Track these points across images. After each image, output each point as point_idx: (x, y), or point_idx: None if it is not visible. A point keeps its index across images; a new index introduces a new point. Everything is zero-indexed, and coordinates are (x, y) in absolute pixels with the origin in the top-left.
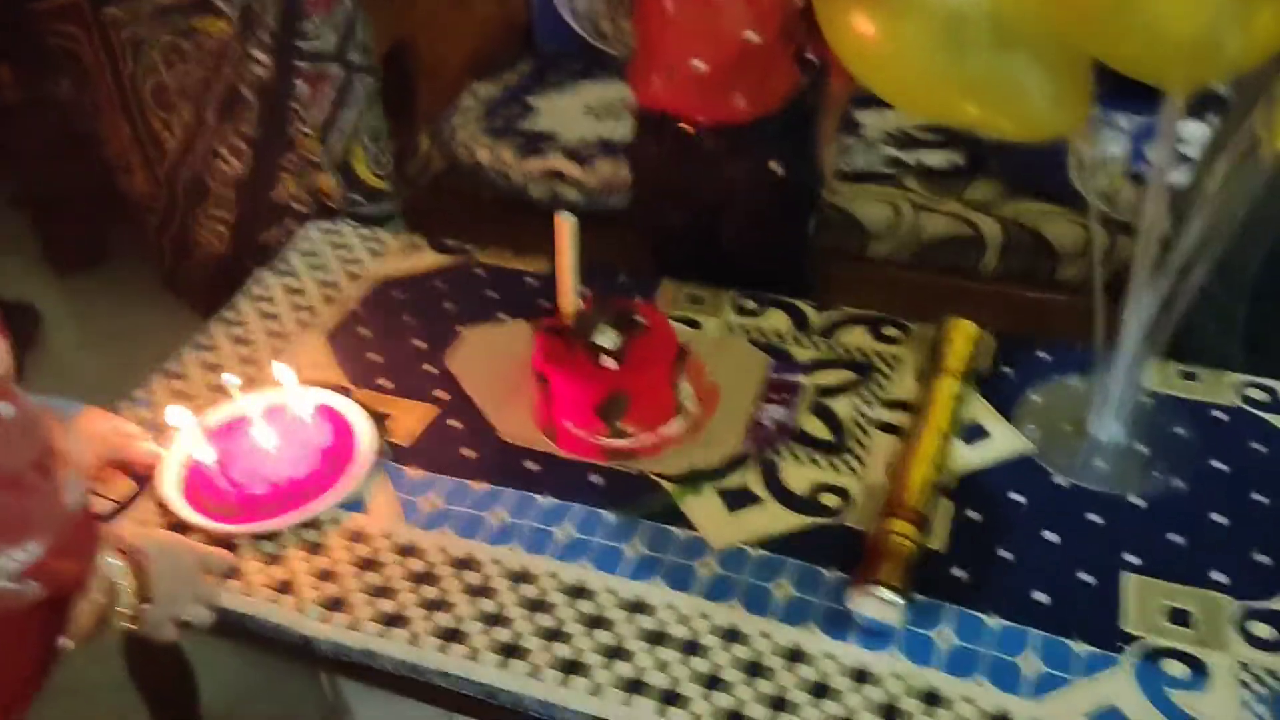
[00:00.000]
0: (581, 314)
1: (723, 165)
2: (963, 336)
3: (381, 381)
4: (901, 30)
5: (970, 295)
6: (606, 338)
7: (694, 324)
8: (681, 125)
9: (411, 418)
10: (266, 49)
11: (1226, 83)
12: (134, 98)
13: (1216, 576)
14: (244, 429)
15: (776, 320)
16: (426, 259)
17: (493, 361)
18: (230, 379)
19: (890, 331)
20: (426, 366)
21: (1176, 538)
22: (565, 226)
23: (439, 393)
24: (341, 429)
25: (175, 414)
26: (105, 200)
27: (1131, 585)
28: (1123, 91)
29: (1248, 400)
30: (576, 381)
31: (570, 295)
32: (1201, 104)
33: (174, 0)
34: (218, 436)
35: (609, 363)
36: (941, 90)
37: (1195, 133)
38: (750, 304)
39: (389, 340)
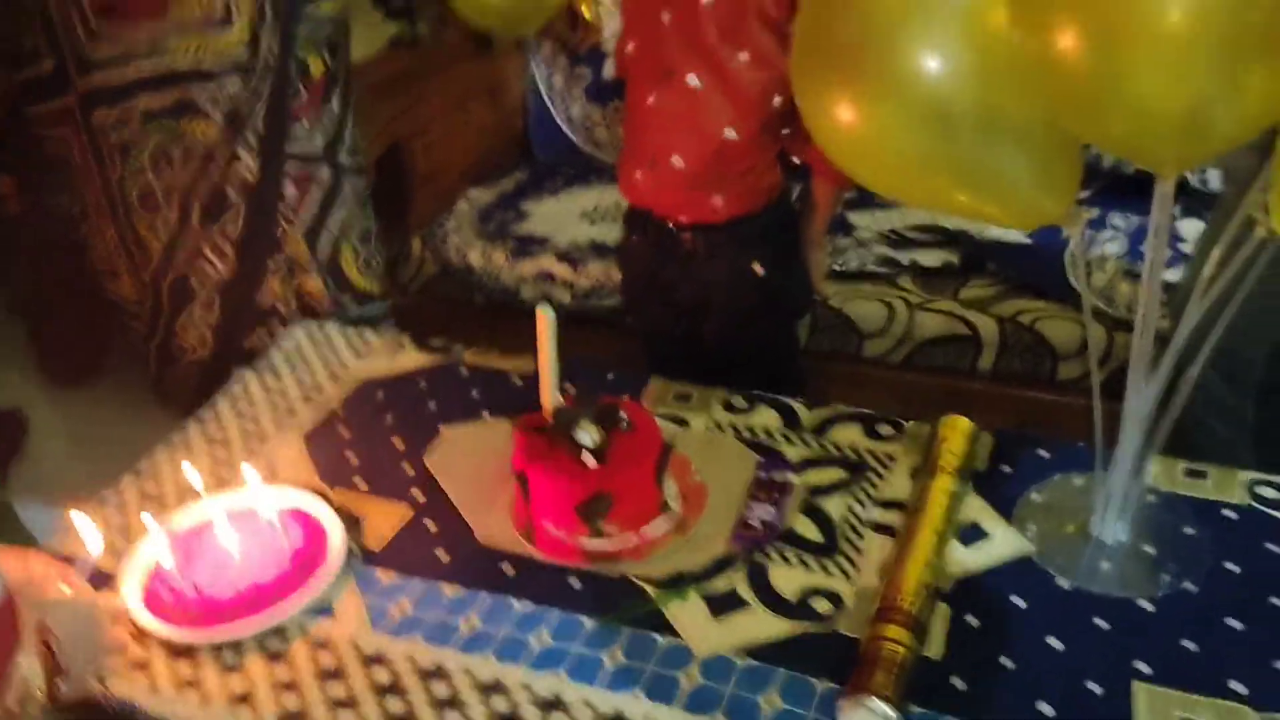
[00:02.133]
0: (562, 410)
1: (704, 264)
2: (959, 433)
3: (357, 482)
4: (884, 114)
5: (968, 395)
6: (588, 435)
7: (681, 422)
8: (665, 222)
9: (386, 519)
10: (253, 151)
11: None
12: (121, 201)
13: (1234, 685)
14: (209, 532)
15: (766, 418)
16: (411, 359)
17: (472, 461)
18: (193, 476)
19: (884, 429)
20: (405, 467)
21: (1189, 644)
22: (544, 320)
23: (416, 493)
24: (311, 532)
25: (142, 518)
26: (99, 308)
27: (1143, 695)
28: (1119, 192)
29: (1259, 499)
30: (556, 480)
31: (551, 391)
32: (1197, 202)
33: (162, 103)
34: (182, 540)
35: (590, 461)
36: (927, 176)
37: (1192, 230)
38: (739, 401)
39: (368, 440)
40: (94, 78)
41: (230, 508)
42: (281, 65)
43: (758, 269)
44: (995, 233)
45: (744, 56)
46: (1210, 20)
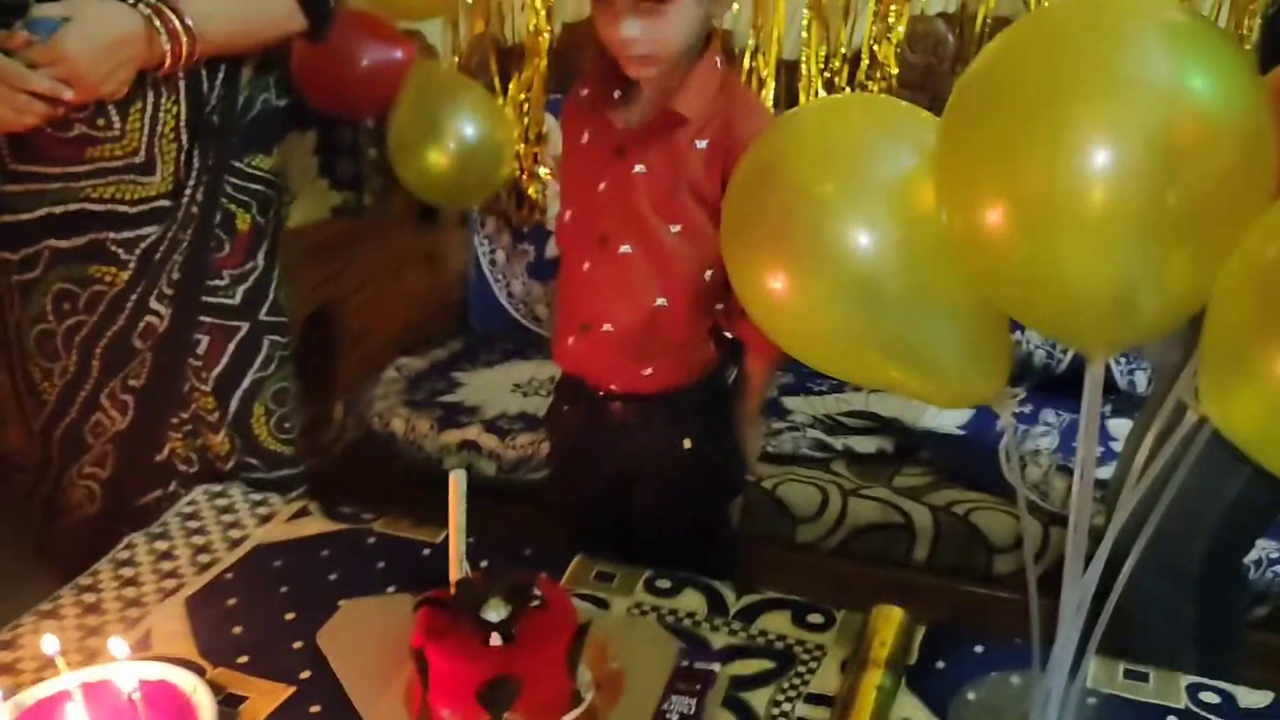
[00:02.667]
0: (469, 583)
1: (635, 436)
2: (891, 625)
3: (241, 658)
4: (814, 289)
5: (903, 586)
6: (495, 612)
7: (602, 603)
8: (596, 391)
9: (266, 700)
10: (166, 300)
11: (1147, 363)
12: (16, 345)
13: None
14: (61, 708)
15: (692, 602)
16: (316, 525)
17: (370, 639)
18: (52, 646)
19: (815, 618)
20: (295, 643)
21: None
22: (456, 482)
23: (303, 673)
24: (178, 712)
25: None
26: None
27: None
28: (1051, 390)
29: (1199, 703)
30: (458, 661)
31: (459, 561)
32: (1127, 402)
33: (71, 244)
34: (32, 715)
35: (497, 641)
36: (857, 350)
37: (1122, 429)
38: (664, 583)
39: (258, 613)
40: (2, 217)
41: (89, 682)
42: (205, 216)
43: (688, 443)
44: (930, 422)
45: (676, 229)
46: (1130, 203)
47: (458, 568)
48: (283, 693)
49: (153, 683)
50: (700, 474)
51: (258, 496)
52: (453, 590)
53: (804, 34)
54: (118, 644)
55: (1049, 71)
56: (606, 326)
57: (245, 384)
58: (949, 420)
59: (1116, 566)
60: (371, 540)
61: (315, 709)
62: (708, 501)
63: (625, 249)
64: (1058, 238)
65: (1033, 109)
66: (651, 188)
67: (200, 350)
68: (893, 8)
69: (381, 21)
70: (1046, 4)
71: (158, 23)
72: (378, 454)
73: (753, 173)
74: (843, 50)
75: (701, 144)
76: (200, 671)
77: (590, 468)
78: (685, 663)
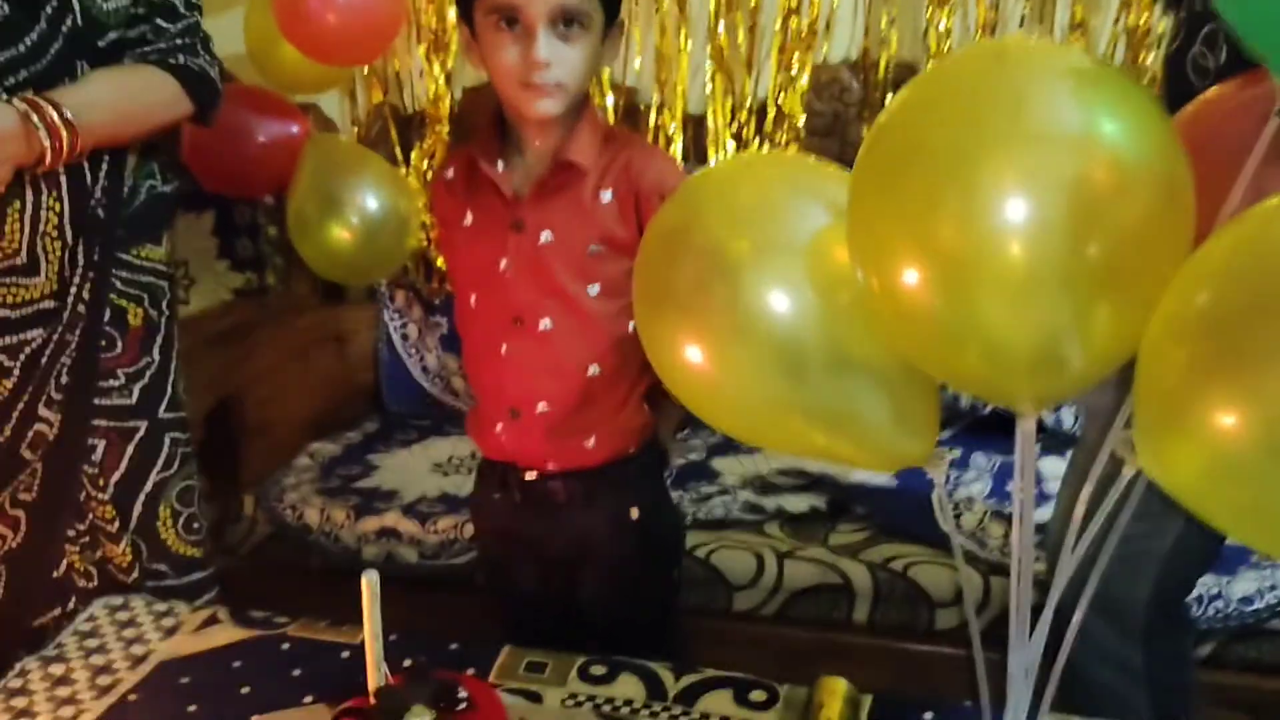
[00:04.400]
0: (389, 691)
1: (577, 515)
2: (837, 698)
3: None
4: (731, 356)
5: (845, 649)
6: (419, 718)
7: (534, 696)
8: (528, 473)
9: None
10: (55, 407)
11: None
12: None
13: None
14: None
15: (629, 688)
16: (225, 634)
17: None
18: None
19: (757, 695)
20: None
21: None
22: (369, 586)
23: None
24: None
25: None
26: None
27: None
28: (979, 431)
29: None
30: None
31: (377, 668)
32: (1054, 440)
33: None
34: None
35: None
36: (780, 418)
37: (1052, 469)
38: (599, 669)
39: None
40: None
41: None
42: (93, 315)
43: (635, 513)
44: (860, 475)
45: (595, 289)
46: (1050, 255)
47: (376, 674)
48: None
49: None
50: (646, 544)
51: (162, 607)
52: (372, 699)
53: (709, 86)
54: None
55: (958, 125)
56: (540, 407)
57: (148, 487)
58: (879, 473)
59: (1061, 619)
60: (285, 646)
61: None
62: (656, 573)
63: (545, 324)
64: (977, 294)
65: (944, 164)
66: (562, 253)
67: (96, 456)
68: (795, 56)
69: (273, 96)
70: (948, 52)
71: (35, 118)
72: (291, 548)
73: (663, 237)
74: (749, 102)
75: (606, 195)
76: None
77: (527, 556)
78: None
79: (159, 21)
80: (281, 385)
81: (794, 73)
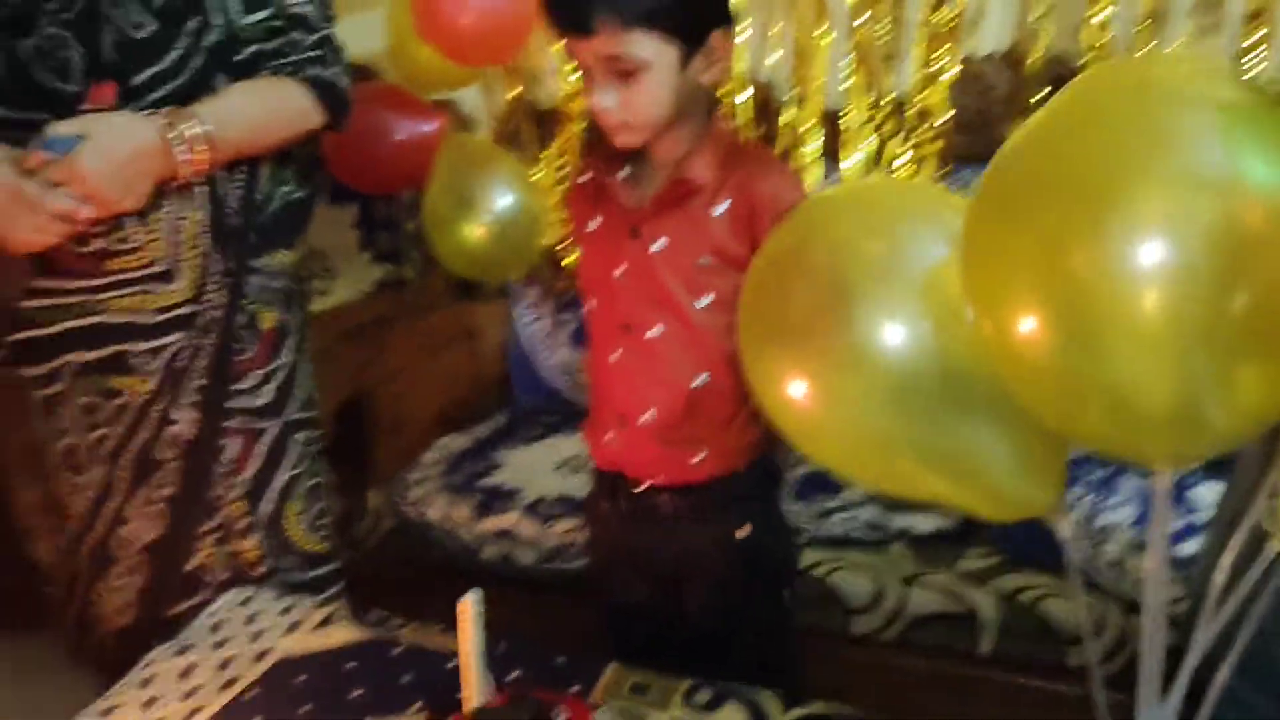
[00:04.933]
0: (487, 713)
1: (684, 531)
2: None
3: None
4: (841, 390)
5: (966, 683)
6: None
7: (637, 718)
8: (638, 485)
9: None
10: (190, 408)
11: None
12: (43, 459)
13: None
14: None
15: (734, 718)
16: (342, 634)
17: None
18: None
19: None
20: None
21: None
22: (466, 611)
23: None
24: None
25: None
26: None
27: None
28: None
29: None
30: None
31: (477, 687)
32: (1214, 463)
33: (93, 357)
34: None
35: None
36: (892, 457)
37: (1206, 496)
38: (704, 695)
39: None
40: (22, 332)
41: None
42: (227, 320)
43: (742, 533)
44: None
45: (704, 302)
46: (1189, 304)
47: (475, 695)
48: None
49: None
50: (754, 564)
51: (287, 601)
52: None
53: (848, 81)
54: None
55: (1093, 158)
56: (646, 416)
57: (277, 485)
58: None
59: (1201, 679)
60: (397, 650)
61: None
62: (764, 594)
63: (652, 333)
64: (1105, 344)
65: (1075, 199)
66: (673, 263)
67: (227, 455)
68: (946, 48)
69: (410, 95)
70: (1104, 48)
71: (173, 134)
72: (413, 544)
73: (774, 260)
74: (893, 95)
75: (721, 208)
76: None
77: (634, 567)
78: None
79: (295, 34)
80: (413, 381)
81: (934, 68)
